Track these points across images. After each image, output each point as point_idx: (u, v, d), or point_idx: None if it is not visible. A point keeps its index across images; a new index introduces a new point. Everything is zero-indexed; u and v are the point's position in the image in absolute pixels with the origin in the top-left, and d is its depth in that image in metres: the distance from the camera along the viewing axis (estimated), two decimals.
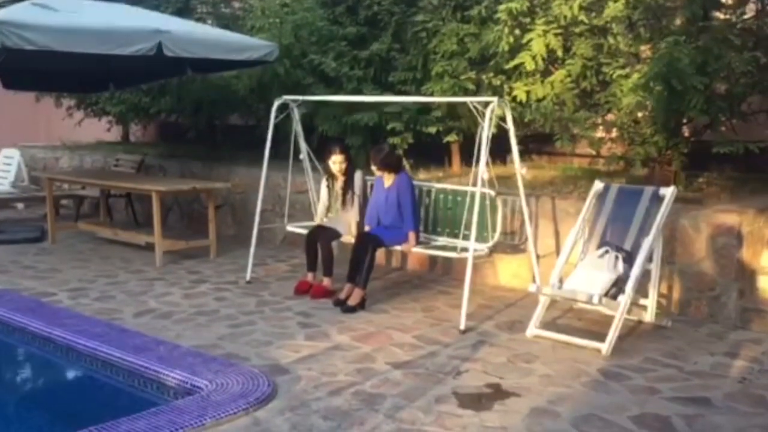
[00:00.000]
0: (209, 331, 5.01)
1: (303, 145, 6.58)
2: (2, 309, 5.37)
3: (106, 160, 10.32)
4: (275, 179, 7.56)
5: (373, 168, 5.77)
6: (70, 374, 4.90)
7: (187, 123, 10.45)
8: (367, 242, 5.61)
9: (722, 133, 5.90)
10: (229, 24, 9.43)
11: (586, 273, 4.88)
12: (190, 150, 10.21)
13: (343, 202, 6.10)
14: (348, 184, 6.08)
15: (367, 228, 5.93)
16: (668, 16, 5.87)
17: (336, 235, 5.99)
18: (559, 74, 6.26)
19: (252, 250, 6.39)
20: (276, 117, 6.23)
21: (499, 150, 6.57)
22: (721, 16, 5.81)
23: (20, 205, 10.43)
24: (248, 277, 6.36)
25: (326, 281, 5.90)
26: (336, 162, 6.06)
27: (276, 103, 6.25)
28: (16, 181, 10.18)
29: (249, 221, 7.16)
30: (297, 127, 6.46)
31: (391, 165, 5.75)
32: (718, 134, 5.89)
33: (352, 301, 5.49)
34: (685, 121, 6.03)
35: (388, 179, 5.80)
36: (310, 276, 6.03)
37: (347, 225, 6.02)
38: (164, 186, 7.24)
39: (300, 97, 6.46)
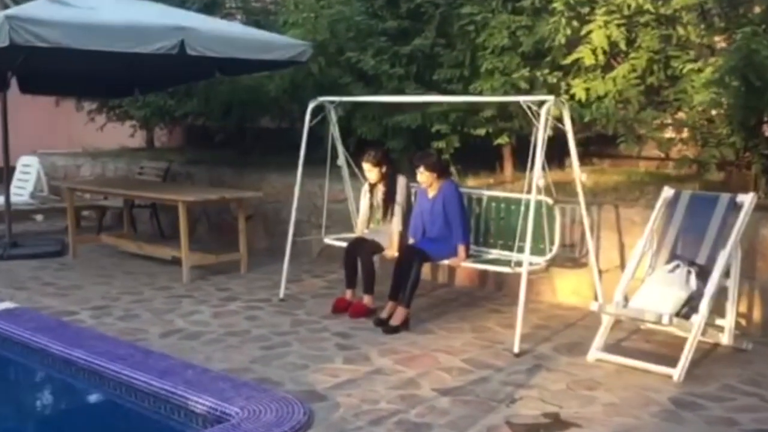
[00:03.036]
0: (240, 353, 5.07)
1: (341, 150, 6.61)
2: (22, 329, 5.49)
3: (129, 167, 10.51)
4: (311, 187, 7.61)
5: (419, 173, 5.73)
6: (93, 399, 4.98)
7: (216, 127, 10.59)
8: (412, 256, 5.62)
9: None
10: (260, 20, 9.55)
11: (654, 290, 4.80)
12: (218, 156, 10.34)
13: (385, 213, 6.11)
14: (389, 193, 6.08)
15: (411, 240, 5.93)
16: (745, 3, 5.77)
17: (377, 248, 6.01)
18: (622, 69, 6.20)
19: (286, 264, 6.44)
20: (311, 119, 6.27)
21: (557, 153, 6.50)
22: None
23: (39, 217, 10.67)
24: (282, 294, 6.41)
25: (366, 299, 5.91)
26: (366, 170, 6.06)
27: (311, 105, 6.30)
28: (35, 191, 10.40)
29: (282, 233, 7.22)
30: (334, 130, 6.50)
31: (437, 168, 5.72)
32: None
33: (395, 321, 5.50)
34: (765, 119, 5.91)
35: (432, 188, 5.78)
36: (349, 293, 6.05)
37: (390, 237, 6.03)
38: (191, 195, 7.35)
39: (336, 98, 6.51)
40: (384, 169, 6.06)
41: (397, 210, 6.02)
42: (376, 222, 6.23)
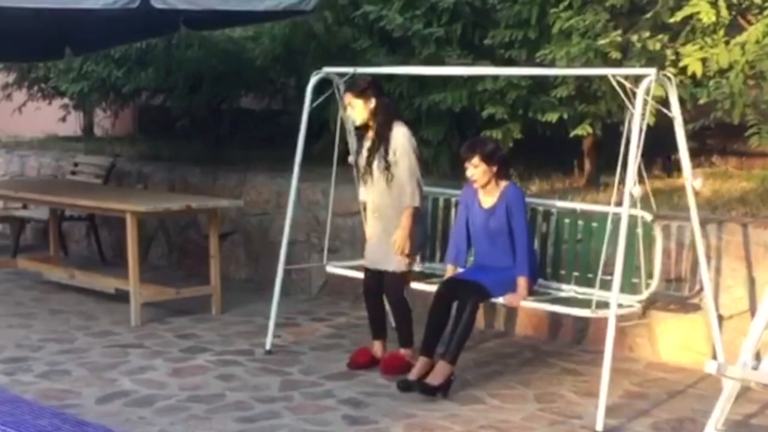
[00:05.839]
0: (209, 426, 5.07)
1: (353, 141, 6.62)
2: None
3: (58, 164, 10.56)
4: (311, 194, 7.61)
5: (470, 166, 5.60)
6: None
7: (179, 108, 10.63)
8: (464, 293, 5.57)
9: None
10: None
11: None
12: (182, 149, 10.37)
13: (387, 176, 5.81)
14: (382, 138, 5.78)
15: (450, 268, 5.91)
16: None
17: (406, 273, 5.96)
18: (755, 31, 6.18)
19: (275, 302, 6.43)
20: (313, 99, 6.29)
21: (660, 149, 6.47)
22: None
23: None
24: (269, 344, 6.43)
25: (404, 354, 5.88)
26: (346, 103, 5.95)
27: (313, 79, 6.32)
28: None
29: (271, 258, 7.24)
30: (344, 113, 6.52)
31: (498, 160, 5.64)
32: None
33: (435, 379, 5.43)
34: None
35: (489, 192, 5.71)
36: (377, 346, 6.02)
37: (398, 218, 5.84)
38: (144, 204, 7.38)
39: (350, 69, 6.50)
40: (373, 105, 5.79)
41: (405, 166, 5.67)
42: (378, 198, 5.88)
